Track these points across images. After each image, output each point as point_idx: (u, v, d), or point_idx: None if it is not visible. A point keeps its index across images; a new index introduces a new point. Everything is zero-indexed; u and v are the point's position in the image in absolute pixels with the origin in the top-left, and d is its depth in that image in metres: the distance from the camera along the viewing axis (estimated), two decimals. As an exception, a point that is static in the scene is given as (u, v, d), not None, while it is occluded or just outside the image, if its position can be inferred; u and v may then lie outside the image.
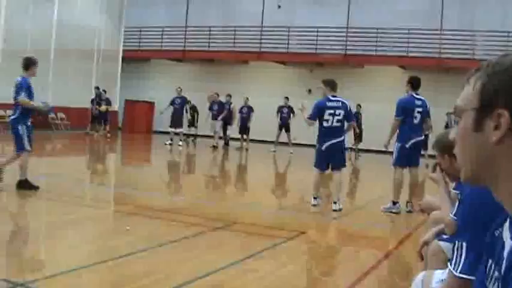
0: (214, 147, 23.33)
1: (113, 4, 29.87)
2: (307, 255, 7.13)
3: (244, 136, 24.52)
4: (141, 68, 32.30)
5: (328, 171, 10.07)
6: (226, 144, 24.69)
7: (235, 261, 5.92)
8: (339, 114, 9.55)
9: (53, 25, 25.81)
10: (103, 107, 25.13)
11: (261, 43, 29.30)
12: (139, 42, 32.00)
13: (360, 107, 24.20)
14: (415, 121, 9.85)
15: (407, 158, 9.92)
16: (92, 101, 25.56)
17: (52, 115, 25.08)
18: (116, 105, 29.17)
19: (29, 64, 9.51)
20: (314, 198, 9.75)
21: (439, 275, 2.97)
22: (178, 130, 23.38)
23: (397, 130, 9.97)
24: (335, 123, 9.55)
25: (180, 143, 23.25)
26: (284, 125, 23.90)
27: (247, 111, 24.65)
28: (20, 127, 9.37)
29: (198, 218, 8.46)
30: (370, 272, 6.00)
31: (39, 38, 24.89)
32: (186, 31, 31.19)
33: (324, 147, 9.66)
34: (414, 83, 10.02)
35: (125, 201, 9.69)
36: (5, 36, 23.58)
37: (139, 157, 20.59)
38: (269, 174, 16.96)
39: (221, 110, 23.74)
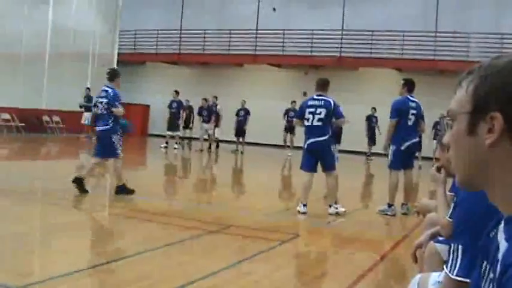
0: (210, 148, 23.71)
1: (107, 7, 29.84)
2: (302, 258, 7.12)
3: (240, 139, 24.49)
4: (136, 71, 32.26)
5: (318, 174, 9.99)
6: (217, 146, 24.71)
7: (231, 265, 5.91)
8: (320, 113, 9.41)
9: (47, 28, 25.76)
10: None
11: (256, 46, 29.32)
12: (135, 45, 32.01)
13: (375, 110, 24.19)
14: (410, 123, 9.82)
15: (402, 160, 9.91)
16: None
17: (47, 119, 25.05)
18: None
19: (114, 75, 10.25)
20: (303, 205, 9.44)
21: (436, 277, 2.97)
22: (175, 133, 23.54)
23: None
24: (316, 122, 9.43)
25: (176, 146, 23.27)
26: (289, 128, 23.97)
27: (243, 114, 24.60)
28: (114, 137, 9.87)
29: (193, 222, 8.44)
30: (365, 274, 6.00)
31: (34, 40, 24.85)
32: (181, 34, 31.19)
33: (306, 145, 9.61)
34: (409, 86, 10.01)
35: (120, 205, 9.67)
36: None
37: (135, 160, 20.55)
38: (264, 176, 16.94)
39: (210, 115, 23.82)
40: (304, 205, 9.45)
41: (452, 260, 2.53)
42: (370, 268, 6.29)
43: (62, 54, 26.23)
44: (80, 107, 25.10)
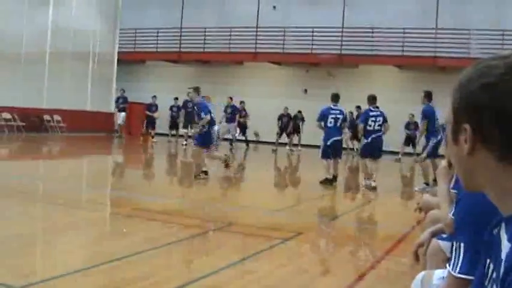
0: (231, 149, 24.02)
1: (108, 6, 29.81)
2: (305, 255, 7.11)
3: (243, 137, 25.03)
4: (136, 69, 32.28)
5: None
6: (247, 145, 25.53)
7: (233, 263, 5.91)
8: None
9: (48, 28, 25.76)
10: (156, 114, 26.53)
11: (256, 44, 29.29)
12: (135, 44, 31.99)
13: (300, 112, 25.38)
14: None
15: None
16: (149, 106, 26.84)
17: (48, 118, 25.08)
18: (112, 108, 29.13)
19: None
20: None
21: (440, 273, 2.96)
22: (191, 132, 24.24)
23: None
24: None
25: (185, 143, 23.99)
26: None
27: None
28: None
29: (195, 220, 8.44)
30: (367, 272, 6.00)
31: (35, 40, 24.84)
32: (181, 32, 31.18)
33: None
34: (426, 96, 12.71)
35: (122, 204, 9.67)
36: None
37: (137, 159, 20.56)
38: (267, 174, 16.93)
39: (235, 114, 23.91)
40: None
41: (454, 258, 2.53)
42: (372, 266, 6.30)
43: (63, 53, 26.22)
44: (148, 111, 26.65)
